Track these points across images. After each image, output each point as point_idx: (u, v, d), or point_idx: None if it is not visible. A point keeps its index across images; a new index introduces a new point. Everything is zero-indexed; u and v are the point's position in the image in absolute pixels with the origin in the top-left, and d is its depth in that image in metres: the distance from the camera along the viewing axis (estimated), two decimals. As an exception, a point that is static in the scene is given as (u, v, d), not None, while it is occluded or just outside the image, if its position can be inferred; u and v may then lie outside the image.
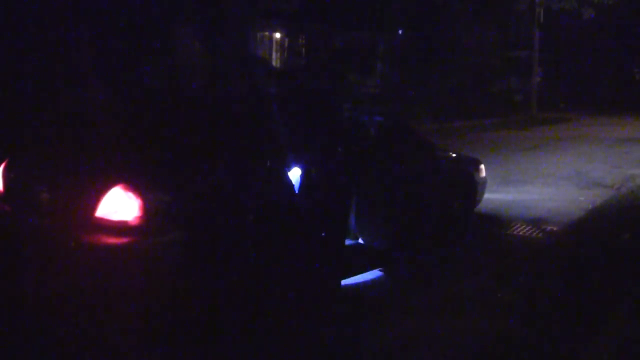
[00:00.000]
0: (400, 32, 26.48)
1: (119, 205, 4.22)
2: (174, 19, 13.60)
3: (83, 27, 11.44)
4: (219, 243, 4.50)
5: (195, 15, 14.59)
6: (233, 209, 4.70)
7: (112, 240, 4.17)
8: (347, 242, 5.54)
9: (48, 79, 10.46)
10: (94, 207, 4.24)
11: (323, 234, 5.10)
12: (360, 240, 5.79)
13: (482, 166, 7.78)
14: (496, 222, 7.89)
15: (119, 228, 4.19)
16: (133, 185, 4.27)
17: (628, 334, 4.47)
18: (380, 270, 5.80)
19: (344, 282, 5.23)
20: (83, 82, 10.93)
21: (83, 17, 11.49)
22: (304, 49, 23.91)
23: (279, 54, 23.84)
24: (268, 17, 20.12)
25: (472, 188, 7.49)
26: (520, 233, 7.43)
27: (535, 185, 10.56)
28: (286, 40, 23.86)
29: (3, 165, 5.09)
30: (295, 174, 5.15)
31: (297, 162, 5.20)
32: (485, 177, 7.86)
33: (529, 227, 7.63)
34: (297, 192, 5.11)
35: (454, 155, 7.76)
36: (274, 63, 23.03)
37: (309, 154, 5.30)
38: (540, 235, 7.39)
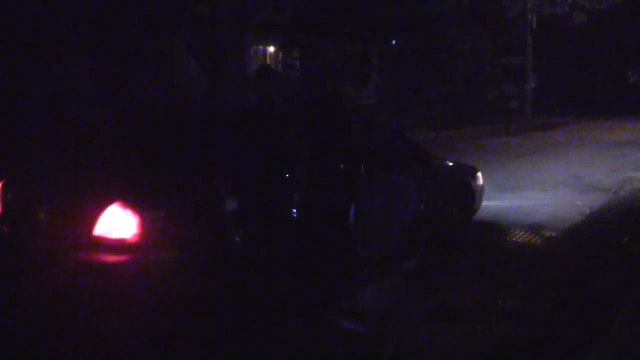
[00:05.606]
0: (394, 42, 26.55)
1: (117, 223, 4.21)
2: (169, 36, 13.66)
3: (82, 47, 11.49)
4: (218, 257, 4.49)
5: (190, 31, 14.66)
6: (231, 223, 4.70)
7: (111, 258, 4.16)
8: (346, 251, 5.53)
9: (46, 98, 10.48)
10: (92, 225, 4.23)
11: (322, 244, 5.11)
12: (359, 249, 5.77)
13: (480, 174, 7.80)
14: (495, 229, 7.88)
15: (118, 246, 4.18)
16: (131, 202, 4.26)
17: (629, 338, 4.45)
18: (379, 279, 5.79)
19: (343, 291, 5.22)
20: (81, 100, 10.96)
21: (81, 37, 11.54)
22: (298, 62, 23.96)
23: (273, 67, 23.88)
24: (261, 31, 20.17)
25: (470, 196, 7.52)
26: (520, 240, 7.42)
27: (533, 191, 10.55)
28: (280, 53, 23.92)
29: (0, 185, 5.08)
30: (296, 185, 5.15)
31: (297, 173, 5.20)
32: (483, 185, 7.88)
33: (528, 234, 7.62)
34: (297, 203, 5.11)
35: (451, 164, 7.78)
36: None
37: (309, 165, 5.30)
38: (539, 241, 7.38)
